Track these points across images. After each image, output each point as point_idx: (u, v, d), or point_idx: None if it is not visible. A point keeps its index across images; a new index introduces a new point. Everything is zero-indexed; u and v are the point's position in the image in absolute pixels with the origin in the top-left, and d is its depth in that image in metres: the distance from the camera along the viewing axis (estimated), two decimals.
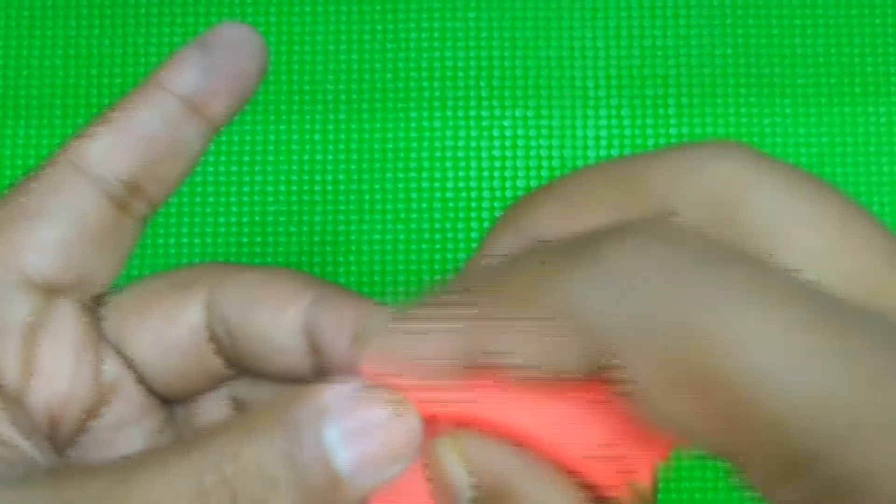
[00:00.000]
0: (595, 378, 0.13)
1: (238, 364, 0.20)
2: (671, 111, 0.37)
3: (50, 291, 0.18)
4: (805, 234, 0.13)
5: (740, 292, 0.12)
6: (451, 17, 0.38)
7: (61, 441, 0.18)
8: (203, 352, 0.19)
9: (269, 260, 0.36)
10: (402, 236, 0.36)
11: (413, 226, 0.37)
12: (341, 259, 0.36)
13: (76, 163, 0.18)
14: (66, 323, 0.18)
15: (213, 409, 0.20)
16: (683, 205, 0.14)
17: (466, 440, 0.15)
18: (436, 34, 0.38)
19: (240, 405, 0.20)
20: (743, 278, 0.12)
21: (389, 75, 0.37)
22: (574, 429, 0.14)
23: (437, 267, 0.36)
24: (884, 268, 0.13)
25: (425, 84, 0.37)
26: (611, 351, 0.13)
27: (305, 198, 0.37)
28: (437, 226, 0.37)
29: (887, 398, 0.11)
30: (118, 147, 0.19)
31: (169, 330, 0.19)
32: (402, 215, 0.37)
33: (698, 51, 0.38)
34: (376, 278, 0.36)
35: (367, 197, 0.37)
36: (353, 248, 0.36)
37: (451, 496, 0.15)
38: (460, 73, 0.37)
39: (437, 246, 0.36)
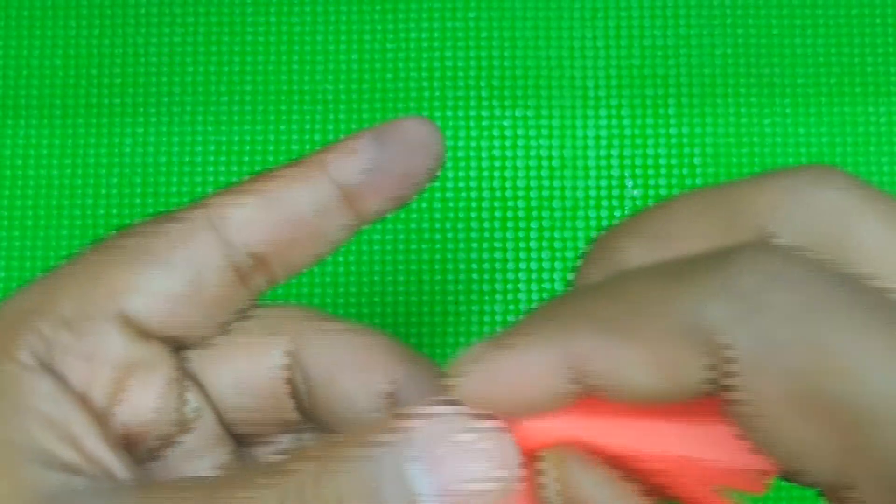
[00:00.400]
0: (709, 398, 0.13)
1: (311, 414, 0.19)
2: (671, 111, 0.37)
3: (144, 332, 0.18)
4: None
5: (871, 319, 0.12)
6: (451, 17, 0.38)
7: (137, 462, 0.18)
8: (279, 397, 0.19)
9: None
10: (402, 236, 0.36)
11: (413, 226, 0.37)
12: (341, 259, 0.36)
13: (214, 222, 0.18)
14: (156, 362, 0.18)
15: (278, 450, 0.20)
16: (786, 234, 0.14)
17: (570, 461, 0.14)
18: (436, 34, 0.38)
19: None
20: (871, 306, 0.12)
21: (389, 75, 0.37)
22: (675, 455, 0.14)
23: (437, 267, 0.36)
24: None
25: (425, 84, 0.37)
26: (734, 368, 0.12)
27: None
28: (437, 226, 0.37)
29: None
30: (260, 220, 0.18)
31: (251, 372, 0.19)
32: (402, 215, 0.37)
33: (698, 51, 0.38)
34: (376, 278, 0.36)
35: None
36: (353, 248, 0.36)
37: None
38: (460, 73, 0.37)
39: (437, 246, 0.36)
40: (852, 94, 0.37)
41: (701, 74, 0.37)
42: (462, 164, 0.37)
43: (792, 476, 0.13)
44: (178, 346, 0.19)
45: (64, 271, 0.18)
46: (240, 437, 0.20)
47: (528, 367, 0.14)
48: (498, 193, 0.37)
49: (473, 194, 0.37)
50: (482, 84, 0.37)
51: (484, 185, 0.37)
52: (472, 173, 0.37)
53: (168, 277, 0.18)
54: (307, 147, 0.37)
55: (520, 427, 0.14)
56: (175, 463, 0.19)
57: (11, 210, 0.37)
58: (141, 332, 0.18)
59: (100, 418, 0.17)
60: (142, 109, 0.37)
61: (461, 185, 0.37)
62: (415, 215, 0.37)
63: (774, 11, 0.38)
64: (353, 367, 0.18)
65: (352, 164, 0.18)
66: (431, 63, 0.37)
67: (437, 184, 0.37)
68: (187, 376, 0.19)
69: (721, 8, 0.38)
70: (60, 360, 0.17)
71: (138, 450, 0.18)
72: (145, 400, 0.18)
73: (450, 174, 0.37)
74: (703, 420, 0.14)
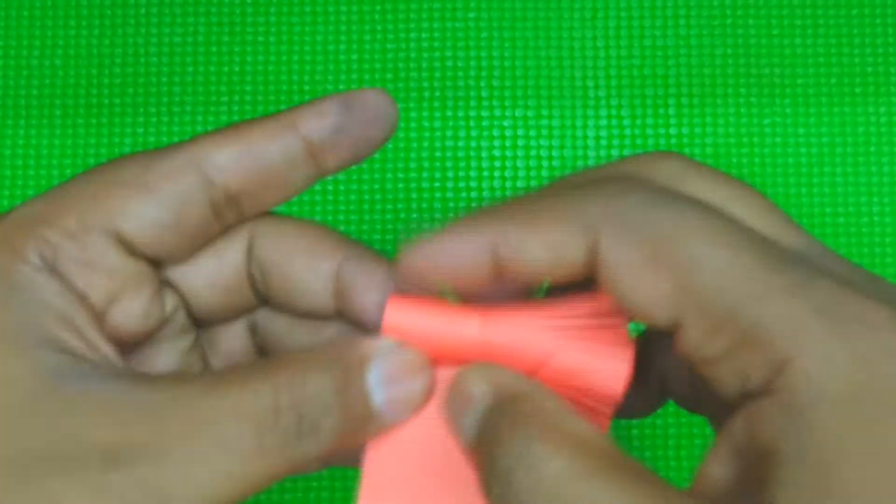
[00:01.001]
0: (589, 272, 0.18)
1: (266, 299, 0.23)
2: (671, 111, 0.37)
3: (134, 250, 0.21)
4: (726, 201, 0.19)
5: (696, 209, 0.17)
6: (452, 18, 0.38)
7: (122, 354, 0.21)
8: (241, 286, 0.22)
9: None
10: (402, 236, 0.36)
11: (413, 226, 0.36)
12: None
13: (197, 161, 0.21)
14: (143, 275, 0.21)
15: (232, 333, 0.23)
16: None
17: (487, 367, 0.19)
18: (436, 34, 0.38)
19: (257, 333, 0.23)
20: (693, 205, 0.18)
21: (389, 75, 0.37)
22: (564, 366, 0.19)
23: None
24: (780, 225, 0.18)
25: (425, 84, 0.37)
26: (604, 244, 0.17)
27: (305, 198, 0.37)
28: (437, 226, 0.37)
29: (777, 276, 0.16)
30: (238, 165, 0.21)
31: (216, 269, 0.22)
32: (402, 215, 0.37)
33: (698, 51, 0.38)
34: None
35: (367, 197, 0.37)
36: None
37: (468, 405, 0.19)
38: (460, 73, 0.37)
39: None
40: (852, 94, 0.37)
41: (701, 75, 0.37)
42: (462, 164, 0.37)
43: (641, 319, 0.18)
44: (159, 264, 0.22)
45: (66, 190, 0.21)
46: (204, 324, 0.23)
47: (460, 246, 0.19)
48: (498, 193, 0.37)
49: (473, 194, 0.37)
50: (482, 84, 0.37)
51: (484, 185, 0.37)
52: (473, 173, 0.37)
53: (157, 206, 0.20)
54: None
55: (436, 356, 0.20)
56: (148, 352, 0.22)
57: (11, 209, 0.37)
58: (132, 250, 0.21)
59: (97, 316, 0.20)
60: (142, 109, 0.37)
61: (461, 185, 0.37)
62: (415, 215, 0.37)
63: (774, 12, 0.38)
64: (301, 253, 0.22)
65: (319, 124, 0.21)
66: (431, 63, 0.37)
67: (437, 184, 0.37)
68: (166, 283, 0.22)
69: (721, 8, 0.38)
70: (64, 265, 0.20)
71: (123, 346, 0.21)
72: (135, 305, 0.21)
73: (450, 174, 0.37)
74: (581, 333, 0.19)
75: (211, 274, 0.22)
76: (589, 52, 0.38)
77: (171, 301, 0.22)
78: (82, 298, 0.20)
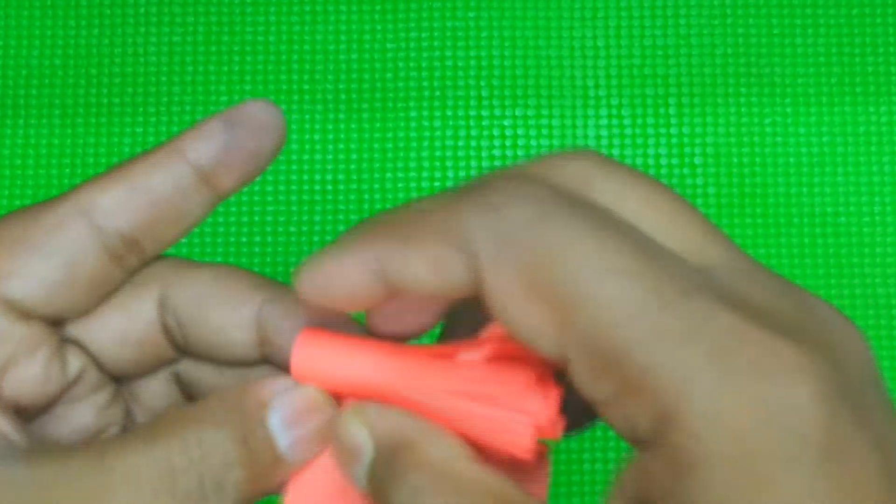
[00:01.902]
0: (475, 294, 0.17)
1: (186, 350, 0.21)
2: (671, 110, 0.37)
3: (25, 313, 0.20)
4: (636, 207, 0.17)
5: (584, 229, 0.16)
6: (451, 17, 0.38)
7: (26, 420, 0.20)
8: (156, 341, 0.21)
9: (269, 259, 0.36)
10: None
11: None
12: None
13: (83, 209, 0.20)
14: (38, 338, 0.20)
15: (155, 385, 0.22)
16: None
17: (368, 408, 0.18)
18: (436, 34, 0.38)
19: (181, 382, 0.22)
20: (588, 218, 0.16)
21: (389, 75, 0.37)
22: (463, 402, 0.18)
23: None
24: (695, 235, 0.17)
25: (425, 84, 0.37)
26: (482, 267, 0.16)
27: (305, 198, 0.37)
28: None
29: (671, 314, 0.15)
30: (126, 205, 0.20)
31: (127, 325, 0.21)
32: None
33: (699, 50, 0.38)
34: None
35: (366, 197, 0.37)
36: None
37: (354, 457, 0.18)
38: (460, 73, 0.37)
39: None
40: (853, 93, 0.37)
41: (701, 74, 0.37)
42: (462, 163, 0.37)
43: (532, 349, 0.16)
44: (58, 322, 0.21)
45: None
46: (120, 379, 0.22)
47: (344, 269, 0.17)
48: None
49: None
50: (482, 84, 0.37)
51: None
52: (473, 173, 0.37)
53: (44, 263, 0.20)
54: (306, 146, 0.37)
55: (339, 392, 0.19)
56: (61, 412, 0.21)
57: (11, 209, 0.37)
58: (22, 313, 0.20)
59: None
60: (141, 109, 0.37)
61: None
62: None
63: (775, 11, 0.38)
64: (218, 301, 0.21)
65: (205, 147, 0.20)
66: (431, 63, 0.37)
67: (437, 184, 0.37)
68: (68, 342, 0.21)
69: (721, 8, 0.38)
70: None
71: (26, 412, 0.20)
72: (30, 372, 0.20)
73: (450, 174, 0.37)
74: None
75: (120, 329, 0.21)
76: (589, 52, 0.37)
77: (76, 360, 0.21)
78: None
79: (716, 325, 0.15)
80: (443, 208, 0.17)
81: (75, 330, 0.21)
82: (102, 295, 0.20)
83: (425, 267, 0.17)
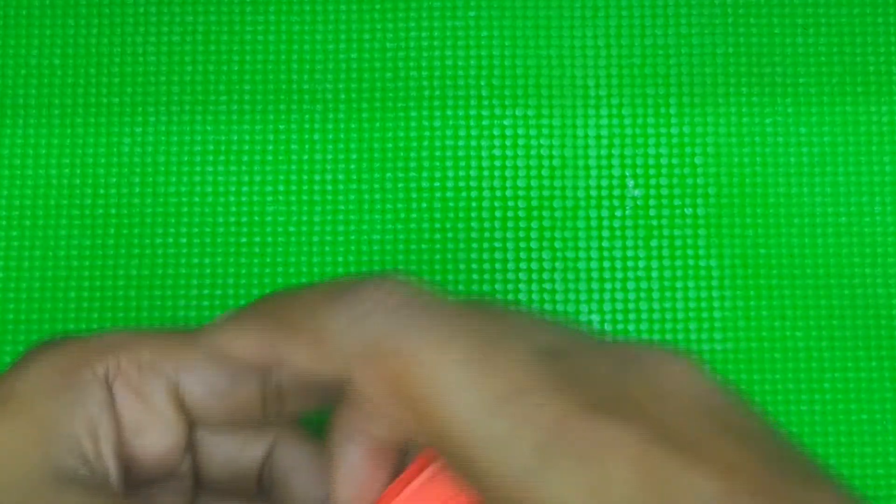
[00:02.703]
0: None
1: (268, 494, 0.26)
2: (672, 110, 0.37)
3: (180, 404, 0.24)
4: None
5: (439, 336, 0.18)
6: (452, 16, 0.37)
7: (127, 482, 0.24)
8: (250, 477, 0.25)
9: (269, 259, 0.36)
10: (401, 236, 0.36)
11: (413, 226, 0.36)
12: (341, 259, 0.36)
13: (266, 352, 0.24)
14: (179, 427, 0.24)
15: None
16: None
17: None
18: (436, 33, 0.37)
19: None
20: (435, 324, 0.18)
21: (389, 74, 0.37)
22: None
23: (437, 267, 0.36)
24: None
25: (425, 83, 0.37)
26: (355, 369, 0.19)
27: (305, 198, 0.37)
28: (437, 226, 0.36)
29: (503, 416, 0.17)
30: (285, 367, 0.24)
31: (237, 454, 0.25)
32: (402, 215, 0.36)
33: (699, 50, 0.37)
34: None
35: (366, 197, 0.37)
36: (353, 248, 0.36)
37: None
38: (460, 72, 0.37)
39: (437, 246, 0.36)
40: (854, 93, 0.37)
41: (702, 73, 0.37)
42: (462, 163, 0.37)
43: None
44: (194, 423, 0.24)
45: (149, 333, 0.24)
46: (204, 490, 0.26)
47: (246, 342, 0.21)
48: (498, 193, 0.37)
49: (473, 194, 0.37)
50: (482, 83, 0.37)
51: (484, 184, 0.37)
52: (473, 173, 0.37)
53: (219, 375, 0.24)
54: (306, 146, 0.37)
55: None
56: (147, 490, 0.24)
57: (10, 210, 0.36)
58: (179, 402, 0.24)
59: (121, 436, 0.23)
60: (140, 109, 0.37)
61: (461, 184, 0.37)
62: (415, 215, 0.36)
63: (776, 10, 0.38)
64: (308, 474, 0.25)
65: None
66: (431, 62, 0.37)
67: (436, 184, 0.37)
68: (192, 445, 0.25)
69: (722, 7, 0.38)
70: (121, 386, 0.23)
71: (132, 475, 0.23)
72: (158, 447, 0.24)
73: (450, 174, 0.37)
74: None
75: (229, 455, 0.25)
76: (590, 51, 0.37)
77: (187, 462, 0.25)
78: (117, 417, 0.23)
79: (543, 420, 0.17)
80: (323, 312, 0.20)
81: (200, 438, 0.25)
82: (237, 424, 0.24)
83: (309, 356, 0.20)
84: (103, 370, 0.23)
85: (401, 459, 0.22)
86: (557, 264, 0.36)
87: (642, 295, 0.36)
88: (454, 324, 0.19)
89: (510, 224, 0.36)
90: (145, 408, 0.23)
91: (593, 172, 0.37)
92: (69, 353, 0.23)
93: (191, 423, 0.24)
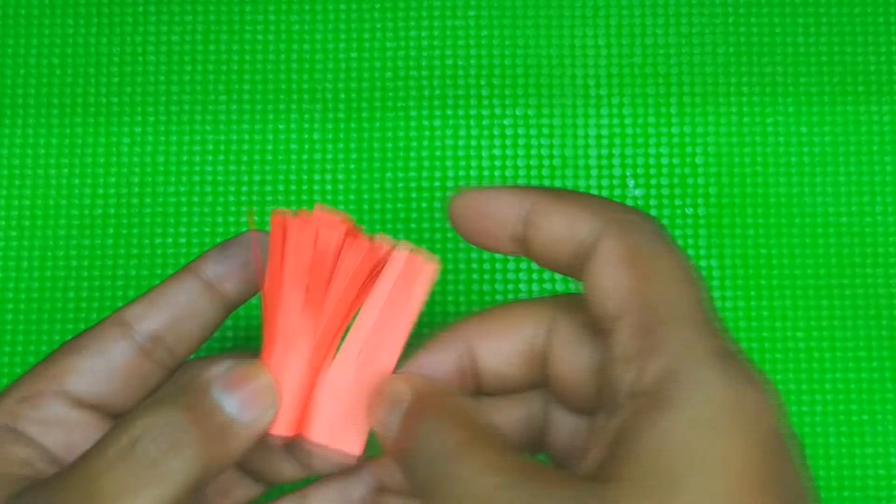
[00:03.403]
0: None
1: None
2: (673, 110, 0.37)
3: (79, 403, 0.25)
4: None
5: (678, 259, 0.22)
6: (452, 16, 0.37)
7: None
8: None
9: None
10: (401, 236, 0.36)
11: (413, 226, 0.36)
12: None
13: (118, 320, 0.26)
14: (95, 426, 0.25)
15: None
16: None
17: (408, 375, 0.24)
18: (436, 32, 0.37)
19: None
20: (676, 251, 0.22)
21: (389, 74, 0.37)
22: None
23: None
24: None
25: (425, 83, 0.37)
26: (603, 236, 0.22)
27: (305, 197, 0.36)
28: (437, 226, 0.36)
29: (702, 323, 0.20)
30: (149, 311, 0.26)
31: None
32: (402, 215, 0.36)
33: (700, 49, 0.37)
34: None
35: (366, 197, 0.36)
36: None
37: (394, 404, 0.22)
38: (460, 72, 0.37)
39: (438, 246, 0.36)
40: (855, 92, 0.37)
41: (703, 73, 0.37)
42: (462, 163, 0.37)
43: (595, 303, 0.22)
44: (112, 415, 0.26)
45: (29, 370, 0.26)
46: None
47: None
48: None
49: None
50: (482, 83, 0.37)
51: (484, 184, 0.37)
52: (473, 172, 0.37)
53: (90, 361, 0.25)
54: (306, 146, 0.37)
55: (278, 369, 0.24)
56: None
57: (9, 210, 0.36)
58: (80, 404, 0.25)
59: (57, 463, 0.24)
60: (140, 108, 0.37)
61: (461, 184, 0.37)
62: (415, 215, 0.36)
63: (777, 10, 0.38)
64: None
65: (205, 263, 0.27)
66: (431, 62, 0.37)
67: (436, 183, 0.36)
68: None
69: (723, 6, 0.38)
70: (23, 425, 0.24)
71: None
72: (80, 448, 0.24)
73: (450, 174, 0.37)
74: None
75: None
76: (590, 51, 0.37)
77: None
78: (37, 446, 0.24)
79: (719, 341, 0.20)
80: (594, 199, 0.22)
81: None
82: (142, 387, 0.26)
83: (563, 226, 0.22)
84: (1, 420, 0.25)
85: None
86: None
87: None
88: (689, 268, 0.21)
89: None
90: (57, 427, 0.25)
91: (594, 172, 0.37)
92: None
93: (104, 411, 0.26)
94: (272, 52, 0.37)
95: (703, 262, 0.36)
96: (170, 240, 0.36)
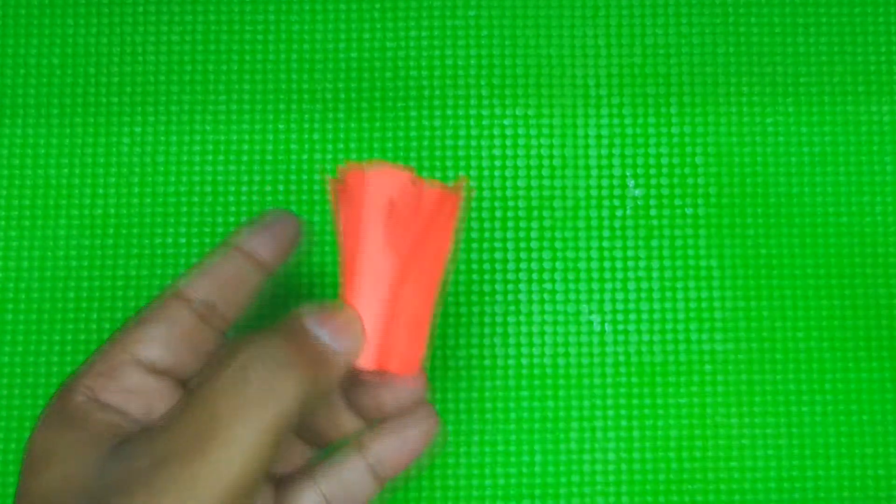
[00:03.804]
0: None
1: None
2: (673, 110, 0.37)
3: (153, 369, 0.27)
4: None
5: None
6: (452, 15, 0.37)
7: None
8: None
9: None
10: None
11: None
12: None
13: (175, 291, 0.28)
14: (170, 391, 0.27)
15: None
16: None
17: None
18: (436, 32, 0.37)
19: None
20: None
21: (389, 74, 0.37)
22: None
23: None
24: None
25: (425, 83, 0.37)
26: None
27: (304, 197, 0.36)
28: None
29: None
30: (201, 281, 0.28)
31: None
32: None
33: (700, 49, 0.37)
34: None
35: None
36: None
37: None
38: (460, 72, 0.37)
39: None
40: (855, 92, 0.37)
41: (703, 73, 0.37)
42: (462, 163, 0.37)
43: None
44: (182, 380, 0.28)
45: (99, 348, 0.28)
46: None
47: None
48: (498, 193, 0.37)
49: (474, 194, 0.36)
50: (482, 83, 0.37)
51: (484, 184, 0.37)
52: (472, 172, 0.37)
53: (156, 329, 0.27)
54: (306, 146, 0.37)
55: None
56: None
57: (9, 210, 0.36)
58: (153, 370, 0.27)
59: (141, 425, 0.26)
60: (139, 108, 0.37)
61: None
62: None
63: (777, 10, 0.37)
64: None
65: (242, 236, 0.30)
66: (431, 62, 0.37)
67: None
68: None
69: (723, 6, 0.37)
70: (104, 395, 0.26)
71: None
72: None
73: (450, 174, 0.37)
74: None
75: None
76: (590, 51, 0.37)
77: None
78: (122, 413, 0.26)
79: None
80: None
81: None
82: (205, 351, 0.28)
83: None
84: (83, 394, 0.26)
85: None
86: (557, 264, 0.36)
87: (642, 295, 0.36)
88: None
89: (510, 224, 0.36)
90: (134, 394, 0.27)
91: (594, 172, 0.37)
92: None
93: (176, 377, 0.28)
94: (272, 52, 0.37)
95: (703, 262, 0.36)
96: (170, 240, 0.36)
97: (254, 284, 0.29)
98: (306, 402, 0.24)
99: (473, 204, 0.36)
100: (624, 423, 0.36)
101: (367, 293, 0.26)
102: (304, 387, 0.24)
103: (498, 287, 0.36)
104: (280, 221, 0.30)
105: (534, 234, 0.36)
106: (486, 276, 0.36)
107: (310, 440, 0.30)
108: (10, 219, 0.36)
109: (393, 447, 0.29)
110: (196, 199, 0.36)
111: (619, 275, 0.36)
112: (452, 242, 0.27)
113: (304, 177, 0.37)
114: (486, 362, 0.36)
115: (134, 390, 0.27)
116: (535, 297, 0.36)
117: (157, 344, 0.27)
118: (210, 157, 0.37)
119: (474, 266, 0.36)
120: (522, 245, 0.36)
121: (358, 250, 0.26)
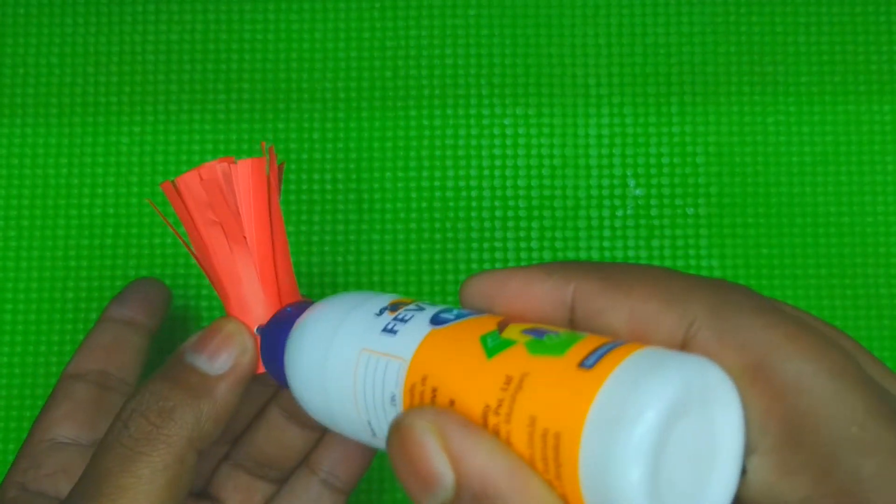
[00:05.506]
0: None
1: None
2: (674, 109, 0.37)
3: (72, 444, 0.29)
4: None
5: (800, 327, 0.16)
6: (452, 15, 0.37)
7: None
8: None
9: None
10: (401, 236, 0.36)
11: (413, 226, 0.36)
12: (340, 259, 0.36)
13: (65, 374, 0.31)
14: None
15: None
16: (722, 354, 0.17)
17: (454, 433, 0.16)
18: (436, 32, 0.37)
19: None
20: (800, 320, 0.17)
21: (389, 73, 0.37)
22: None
23: (436, 267, 0.36)
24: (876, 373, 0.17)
25: (425, 82, 0.37)
26: (699, 333, 0.17)
27: (304, 197, 0.36)
28: (437, 226, 0.36)
29: (888, 426, 0.15)
30: (88, 355, 0.31)
31: None
32: (402, 215, 0.36)
33: (701, 48, 0.37)
34: (375, 279, 0.36)
35: (366, 196, 0.36)
36: (353, 247, 0.36)
37: (427, 487, 0.16)
38: (461, 71, 0.37)
39: (437, 246, 0.36)
40: (856, 92, 0.37)
41: (704, 73, 0.37)
42: (462, 162, 0.37)
43: None
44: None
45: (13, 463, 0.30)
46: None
47: (539, 285, 0.19)
48: (499, 192, 0.36)
49: (473, 193, 0.36)
50: (483, 82, 0.37)
51: (484, 184, 0.36)
52: (473, 172, 0.36)
53: (64, 409, 0.30)
54: (305, 146, 0.37)
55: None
56: None
57: (7, 209, 0.36)
58: (73, 444, 0.29)
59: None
60: (139, 108, 0.37)
61: (461, 184, 0.36)
62: (415, 215, 0.36)
63: (778, 9, 0.37)
64: None
65: (114, 308, 0.32)
66: (431, 61, 0.37)
67: (437, 183, 0.36)
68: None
69: (724, 6, 0.37)
70: (34, 485, 0.28)
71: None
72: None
73: (450, 173, 0.36)
74: None
75: None
76: (591, 50, 0.37)
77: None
78: (54, 496, 0.28)
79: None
80: (655, 275, 0.18)
81: None
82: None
83: (629, 317, 0.18)
84: None
85: None
86: None
87: None
88: (818, 331, 0.16)
89: (510, 224, 0.36)
90: None
91: (594, 172, 0.37)
92: None
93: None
94: (271, 51, 0.37)
95: (703, 262, 0.36)
96: (169, 240, 0.36)
97: (137, 345, 0.31)
98: (196, 434, 0.24)
99: (473, 204, 0.36)
100: None
101: (242, 295, 0.25)
102: (192, 421, 0.24)
103: None
104: (144, 285, 0.33)
105: (534, 234, 0.36)
106: None
107: (266, 476, 0.29)
108: (8, 219, 0.36)
109: (341, 457, 0.28)
110: None
111: None
112: (277, 204, 0.26)
113: (304, 176, 0.36)
114: None
115: (59, 470, 0.28)
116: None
117: (66, 422, 0.29)
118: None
119: (474, 266, 0.36)
120: (522, 245, 0.36)
121: (210, 258, 0.25)
